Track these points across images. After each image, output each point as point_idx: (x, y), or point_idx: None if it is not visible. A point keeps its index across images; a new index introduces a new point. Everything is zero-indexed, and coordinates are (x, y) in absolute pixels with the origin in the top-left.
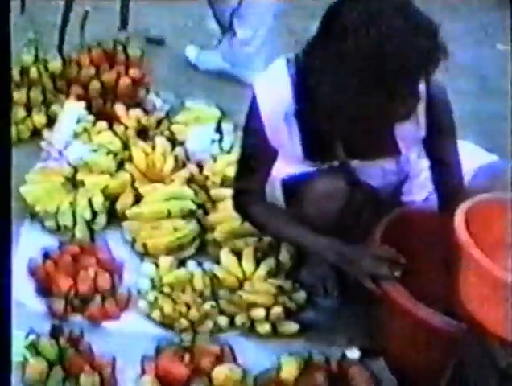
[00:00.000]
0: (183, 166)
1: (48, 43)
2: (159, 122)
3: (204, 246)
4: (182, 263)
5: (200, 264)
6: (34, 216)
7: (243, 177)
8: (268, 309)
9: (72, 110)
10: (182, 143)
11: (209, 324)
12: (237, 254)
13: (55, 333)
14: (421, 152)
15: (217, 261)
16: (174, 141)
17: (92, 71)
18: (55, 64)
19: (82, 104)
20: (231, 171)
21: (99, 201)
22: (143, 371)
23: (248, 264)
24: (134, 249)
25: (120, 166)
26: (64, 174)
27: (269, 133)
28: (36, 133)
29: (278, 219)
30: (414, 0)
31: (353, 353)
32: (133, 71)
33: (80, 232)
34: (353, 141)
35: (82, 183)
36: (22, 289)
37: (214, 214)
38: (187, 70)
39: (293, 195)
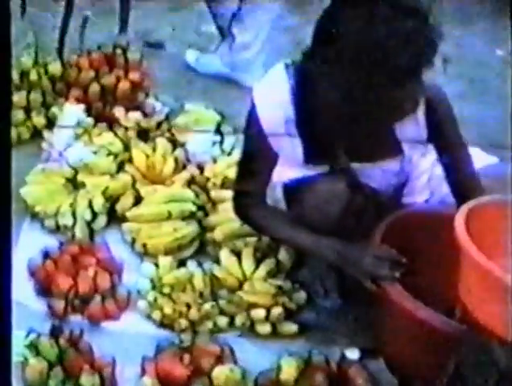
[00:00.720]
0: (184, 167)
1: (48, 46)
2: (159, 125)
3: (203, 246)
4: (182, 263)
5: (199, 264)
6: (34, 217)
7: (244, 179)
8: (268, 309)
9: (71, 113)
10: (182, 145)
11: (209, 324)
12: (237, 254)
13: (55, 333)
14: (423, 152)
15: (217, 262)
16: (174, 143)
17: (92, 74)
18: (55, 67)
19: (81, 106)
20: (232, 173)
21: (99, 202)
22: (143, 372)
23: (248, 264)
24: (133, 249)
25: (120, 167)
26: (64, 175)
27: (269, 138)
28: (36, 134)
29: (279, 221)
30: None
31: (353, 353)
32: (132, 75)
33: (80, 232)
34: (354, 144)
35: (83, 184)
36: (22, 289)
37: (214, 215)
38: (187, 73)
39: (294, 198)
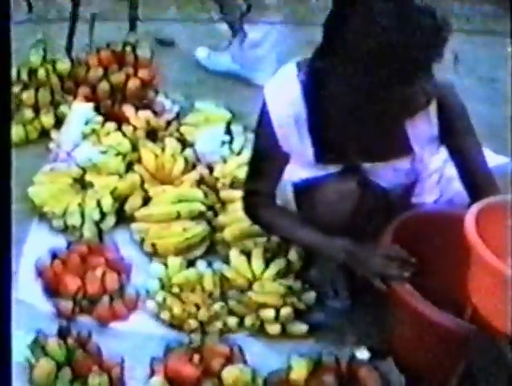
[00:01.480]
0: (193, 167)
1: (57, 44)
2: (169, 124)
3: (213, 247)
4: (191, 263)
5: (209, 264)
6: (42, 217)
7: (254, 179)
8: (277, 309)
9: (80, 111)
10: (192, 145)
11: (219, 325)
12: (247, 254)
13: (63, 334)
14: (434, 151)
15: (227, 262)
16: (184, 143)
17: (101, 72)
18: (64, 65)
19: (90, 105)
20: (241, 173)
21: (108, 202)
22: (152, 372)
23: (257, 264)
24: (142, 250)
25: (129, 167)
26: (72, 175)
27: (280, 138)
28: (44, 134)
29: (288, 221)
30: None
31: (363, 354)
32: (142, 73)
33: (88, 232)
34: (365, 143)
35: (91, 185)
36: (30, 289)
37: (224, 215)
38: (197, 71)
39: (305, 198)
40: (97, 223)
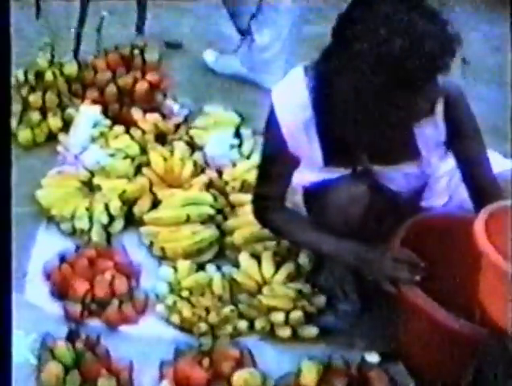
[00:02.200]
0: (202, 171)
1: (64, 46)
2: (178, 127)
3: (222, 250)
4: (201, 267)
5: (218, 268)
6: (50, 220)
7: (263, 183)
8: (288, 313)
9: (88, 114)
10: (201, 148)
11: (229, 328)
12: (257, 258)
13: (71, 337)
14: (443, 155)
15: (236, 265)
16: (193, 146)
17: (109, 75)
18: (71, 68)
19: (98, 108)
20: (250, 176)
21: (116, 205)
22: (162, 376)
23: (267, 268)
24: (151, 253)
25: (138, 170)
26: (80, 178)
27: (288, 142)
28: (52, 137)
29: (298, 224)
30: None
31: (373, 357)
32: (150, 76)
33: (97, 236)
34: (374, 146)
35: (99, 188)
36: (38, 292)
37: (233, 219)
38: (206, 74)
39: (315, 201)
40: (106, 227)
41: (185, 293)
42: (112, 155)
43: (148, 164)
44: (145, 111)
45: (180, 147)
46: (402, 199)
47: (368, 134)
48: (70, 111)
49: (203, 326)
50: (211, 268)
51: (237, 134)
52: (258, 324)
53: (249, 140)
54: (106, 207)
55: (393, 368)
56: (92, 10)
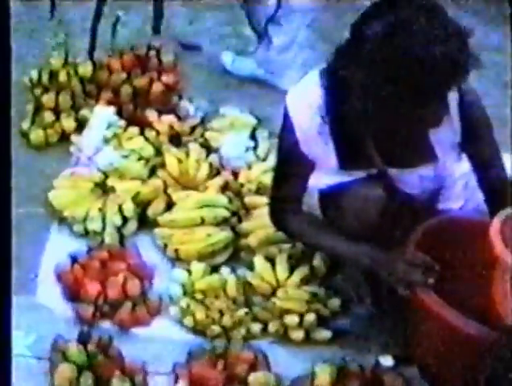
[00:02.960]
0: (218, 173)
1: (78, 47)
2: (193, 129)
3: (237, 253)
4: (215, 269)
5: (233, 270)
6: (62, 221)
7: (279, 185)
8: (301, 315)
9: (102, 115)
10: (216, 150)
11: (242, 331)
12: (271, 261)
13: (83, 339)
14: (458, 157)
15: (250, 268)
16: (208, 148)
17: (124, 76)
18: (85, 68)
19: (112, 109)
20: (266, 179)
21: (130, 207)
22: (175, 378)
23: (282, 270)
24: (165, 255)
25: (152, 172)
26: (93, 179)
27: (303, 145)
28: (65, 138)
29: (314, 227)
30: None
31: (387, 360)
32: (166, 77)
33: (110, 237)
34: (388, 149)
35: (112, 189)
36: (50, 293)
37: (248, 221)
38: (222, 76)
39: (330, 204)
40: (119, 229)
41: (199, 296)
42: (126, 156)
43: (163, 166)
44: (160, 112)
45: (196, 149)
46: (417, 201)
47: (380, 137)
48: (84, 112)
49: (216, 329)
50: (225, 270)
51: (253, 136)
52: (272, 327)
53: (264, 142)
54: (120, 209)
55: (407, 371)
56: (107, 9)
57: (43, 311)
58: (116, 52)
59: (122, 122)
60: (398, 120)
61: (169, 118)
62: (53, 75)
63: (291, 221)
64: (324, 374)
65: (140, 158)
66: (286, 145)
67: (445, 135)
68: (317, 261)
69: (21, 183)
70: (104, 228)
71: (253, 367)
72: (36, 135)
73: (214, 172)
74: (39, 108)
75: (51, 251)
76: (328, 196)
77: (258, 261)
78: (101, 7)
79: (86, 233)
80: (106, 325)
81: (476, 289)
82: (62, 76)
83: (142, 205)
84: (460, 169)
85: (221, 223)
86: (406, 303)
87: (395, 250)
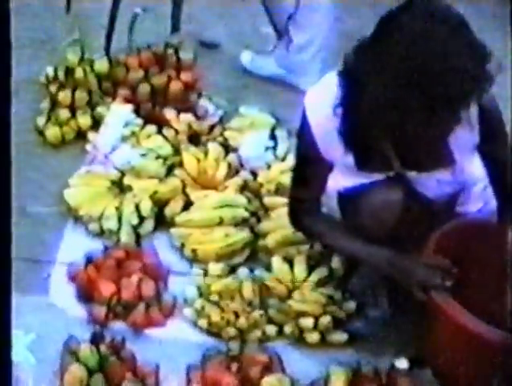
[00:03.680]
0: (236, 172)
1: (95, 43)
2: (212, 128)
3: (255, 253)
4: (232, 270)
5: (251, 271)
6: (77, 220)
7: (298, 186)
8: (317, 318)
9: (119, 113)
10: (235, 150)
11: (258, 333)
12: (289, 261)
13: (96, 340)
14: (473, 159)
15: (268, 268)
16: (227, 148)
17: (141, 73)
18: (102, 65)
19: (130, 106)
20: (285, 179)
21: (147, 206)
22: (189, 380)
23: (300, 271)
24: (182, 255)
25: (169, 171)
26: (110, 178)
27: (320, 146)
28: (81, 135)
29: (332, 229)
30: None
31: (402, 364)
32: (185, 75)
33: (126, 236)
34: (407, 151)
35: (129, 188)
36: (62, 293)
37: (267, 222)
38: (242, 75)
39: (349, 206)
40: (135, 228)
41: (214, 297)
42: (143, 155)
43: (181, 165)
44: (178, 111)
45: (214, 148)
46: (435, 204)
47: (400, 140)
48: (100, 109)
49: (231, 331)
50: (243, 271)
51: (273, 136)
52: (287, 329)
53: (284, 142)
54: (137, 208)
55: (422, 375)
56: (125, 6)
57: (56, 311)
58: (133, 49)
59: (140, 120)
60: (416, 124)
61: (187, 117)
62: (69, 71)
63: (309, 222)
64: (338, 377)
65: (158, 157)
66: (304, 145)
67: (464, 137)
68: (335, 263)
69: (36, 181)
70: (120, 227)
71: (267, 370)
72: (52, 132)
73: (233, 172)
74: (54, 105)
75: (65, 250)
76: (347, 198)
77: (276, 262)
78: (118, 3)
79: (102, 232)
80: (119, 326)
81: (493, 293)
82: (78, 73)
83: (159, 204)
84: (480, 172)
85: (240, 223)
86: (422, 307)
87: (413, 253)
